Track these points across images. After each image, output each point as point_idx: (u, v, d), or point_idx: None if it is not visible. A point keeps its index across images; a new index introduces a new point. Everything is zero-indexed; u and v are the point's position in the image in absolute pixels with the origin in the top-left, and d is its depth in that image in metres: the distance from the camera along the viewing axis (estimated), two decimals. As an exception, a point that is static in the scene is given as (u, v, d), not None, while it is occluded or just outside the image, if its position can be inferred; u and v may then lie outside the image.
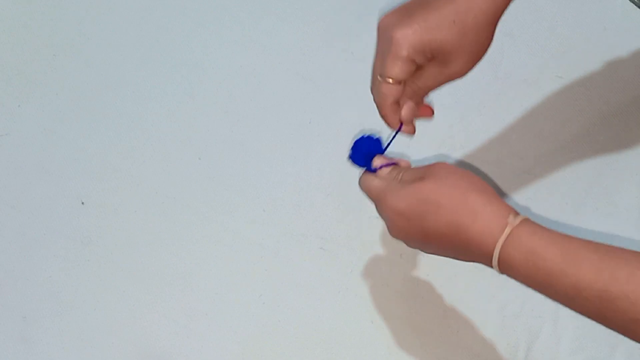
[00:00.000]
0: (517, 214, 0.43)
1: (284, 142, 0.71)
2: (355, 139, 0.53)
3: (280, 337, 0.65)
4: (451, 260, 0.66)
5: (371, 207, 0.67)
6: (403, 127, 0.49)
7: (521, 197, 0.67)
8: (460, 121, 0.70)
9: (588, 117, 0.70)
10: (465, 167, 0.69)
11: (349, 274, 0.66)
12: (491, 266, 0.43)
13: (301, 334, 0.65)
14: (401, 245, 0.65)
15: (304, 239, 0.68)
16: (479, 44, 0.45)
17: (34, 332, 0.66)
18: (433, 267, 0.65)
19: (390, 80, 0.46)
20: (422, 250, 0.50)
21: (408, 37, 0.44)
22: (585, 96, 0.71)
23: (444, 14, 0.43)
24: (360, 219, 0.68)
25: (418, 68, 0.46)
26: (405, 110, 0.48)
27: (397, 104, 0.48)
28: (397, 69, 0.45)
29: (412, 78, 0.47)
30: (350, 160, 0.53)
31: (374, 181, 0.49)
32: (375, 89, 0.48)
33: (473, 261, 0.45)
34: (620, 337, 0.63)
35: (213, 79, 0.74)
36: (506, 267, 0.42)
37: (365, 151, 0.52)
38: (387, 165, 0.50)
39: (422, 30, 0.43)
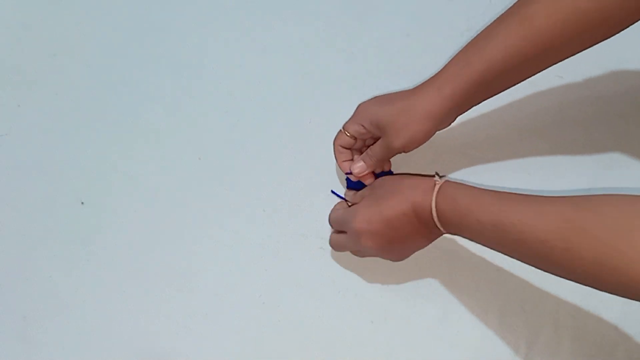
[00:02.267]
0: (441, 176, 0.56)
1: (284, 142, 0.71)
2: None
3: (280, 337, 0.65)
4: (451, 260, 0.66)
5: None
6: (349, 175, 0.63)
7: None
8: (460, 121, 0.70)
9: (588, 117, 0.70)
10: (465, 167, 0.69)
11: (349, 274, 0.66)
12: (438, 228, 0.54)
13: (301, 334, 0.65)
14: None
15: (304, 239, 0.68)
16: (417, 131, 0.57)
17: (34, 332, 0.66)
18: (433, 267, 0.66)
19: (347, 133, 0.61)
20: (389, 253, 0.59)
21: (367, 110, 0.60)
22: (585, 96, 0.71)
23: (397, 104, 0.57)
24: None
25: (371, 135, 0.61)
26: (354, 165, 0.62)
27: (349, 152, 0.63)
28: (351, 127, 0.61)
29: (368, 142, 0.63)
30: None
31: (334, 214, 0.64)
32: (336, 135, 0.63)
33: (427, 234, 0.57)
34: (620, 337, 0.63)
35: (213, 79, 0.74)
36: (443, 221, 0.53)
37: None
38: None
39: (378, 110, 0.58)
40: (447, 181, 0.55)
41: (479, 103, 0.58)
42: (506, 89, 0.56)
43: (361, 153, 0.63)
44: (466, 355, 0.64)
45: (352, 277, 0.66)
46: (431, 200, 0.54)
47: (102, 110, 0.74)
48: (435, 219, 0.54)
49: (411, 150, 0.58)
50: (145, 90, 0.74)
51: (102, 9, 0.78)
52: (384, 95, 0.61)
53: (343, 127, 0.62)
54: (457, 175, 0.69)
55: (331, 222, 0.64)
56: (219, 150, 0.71)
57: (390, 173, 0.65)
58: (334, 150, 0.63)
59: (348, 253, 0.65)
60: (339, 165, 0.64)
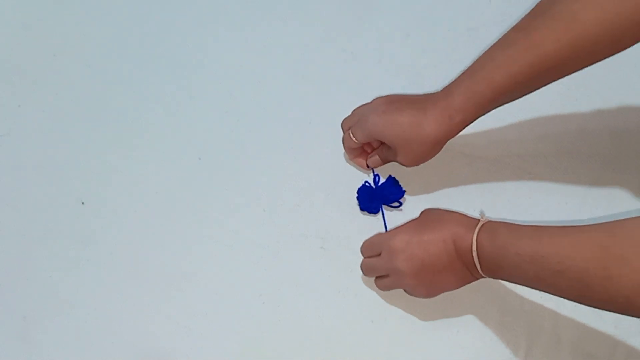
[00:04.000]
0: (482, 216, 0.56)
1: (284, 142, 0.71)
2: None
3: (280, 336, 0.65)
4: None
5: (371, 207, 0.67)
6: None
7: (521, 197, 0.67)
8: (460, 121, 0.70)
9: (588, 117, 0.70)
10: (464, 167, 0.69)
11: (349, 274, 0.66)
12: (474, 266, 0.54)
13: (301, 334, 0.65)
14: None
15: (304, 239, 0.68)
16: (419, 152, 0.59)
17: (34, 332, 0.66)
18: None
19: (355, 139, 0.63)
20: (419, 281, 0.58)
21: (375, 125, 0.60)
22: (585, 96, 0.71)
23: (406, 128, 0.58)
24: (360, 219, 0.68)
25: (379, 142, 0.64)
26: (370, 160, 0.66)
27: (360, 149, 0.66)
28: (358, 135, 0.63)
29: (376, 145, 0.66)
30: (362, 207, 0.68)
31: (369, 239, 0.64)
32: (344, 137, 0.66)
33: (461, 271, 0.56)
34: (620, 337, 0.63)
35: (213, 79, 0.74)
36: (481, 256, 0.53)
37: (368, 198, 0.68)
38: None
39: (385, 126, 0.59)
40: (490, 220, 0.55)
41: None
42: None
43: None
44: (466, 355, 0.64)
45: (352, 277, 0.66)
46: (473, 234, 0.53)
47: (102, 110, 0.74)
48: (474, 254, 0.53)
49: (414, 165, 0.62)
50: (145, 90, 0.74)
51: (102, 9, 0.78)
52: (391, 104, 0.61)
53: (352, 133, 0.63)
54: (457, 175, 0.69)
55: (365, 246, 0.64)
56: (219, 150, 0.71)
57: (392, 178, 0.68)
58: (349, 154, 0.67)
59: (348, 253, 0.65)
60: (352, 160, 0.68)
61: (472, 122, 0.57)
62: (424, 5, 0.76)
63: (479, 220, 0.55)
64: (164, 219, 0.69)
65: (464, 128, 0.58)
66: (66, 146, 0.72)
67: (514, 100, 0.56)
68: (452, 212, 0.58)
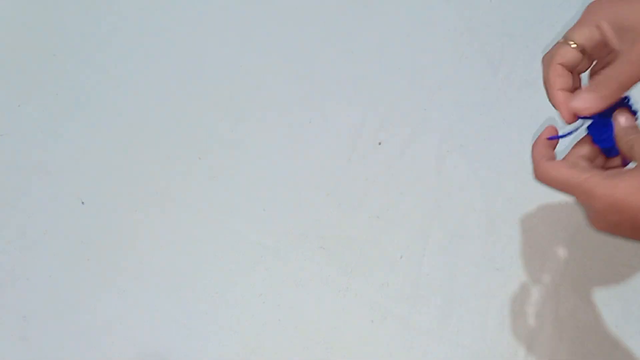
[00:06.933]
0: None
1: (284, 142, 0.71)
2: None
3: (280, 336, 0.65)
4: (451, 259, 0.66)
5: (371, 207, 0.68)
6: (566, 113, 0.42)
7: (521, 197, 0.67)
8: (460, 121, 0.70)
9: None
10: (464, 168, 0.69)
11: (349, 273, 0.66)
12: None
13: (301, 334, 0.65)
14: (401, 245, 0.66)
15: (304, 238, 0.68)
16: None
17: (34, 332, 0.66)
18: (433, 267, 0.65)
19: (572, 43, 0.42)
20: (608, 232, 0.43)
21: (602, 9, 0.41)
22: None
23: None
24: (360, 219, 0.68)
25: (605, 49, 0.42)
26: (578, 98, 0.41)
27: (569, 76, 0.43)
28: (580, 33, 0.41)
29: (601, 57, 0.44)
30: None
31: (570, 170, 0.43)
32: (548, 52, 0.44)
33: None
34: (620, 337, 0.63)
35: (213, 79, 0.74)
36: None
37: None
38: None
39: (619, 8, 0.40)
40: None
41: None
42: None
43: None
44: (466, 355, 0.64)
45: (352, 277, 0.66)
46: None
47: (102, 110, 0.74)
48: None
49: None
50: (145, 90, 0.74)
51: (102, 8, 0.78)
52: None
53: (565, 37, 0.43)
54: (457, 175, 0.69)
55: (549, 168, 0.44)
56: (219, 150, 0.71)
57: (626, 101, 0.43)
58: (548, 73, 0.43)
59: (348, 253, 0.65)
60: (552, 96, 0.43)
61: None
62: (424, 5, 0.76)
63: None
64: (164, 219, 0.69)
65: None
66: (66, 146, 0.72)
67: None
68: None
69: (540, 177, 0.44)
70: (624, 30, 0.39)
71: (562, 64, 0.42)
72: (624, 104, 0.43)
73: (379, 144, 0.70)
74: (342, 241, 0.67)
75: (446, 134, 0.70)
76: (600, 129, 0.44)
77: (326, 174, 0.70)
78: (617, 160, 0.45)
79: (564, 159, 0.45)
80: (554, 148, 0.46)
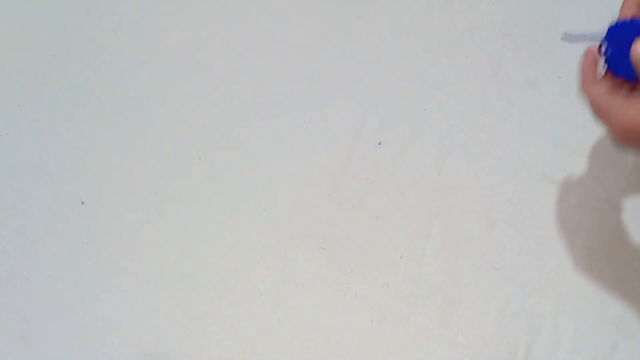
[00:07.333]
0: None
1: (284, 142, 0.71)
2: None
3: (280, 336, 0.65)
4: (451, 259, 0.66)
5: (371, 207, 0.68)
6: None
7: (521, 197, 0.67)
8: (460, 121, 0.70)
9: (588, 117, 0.70)
10: (464, 168, 0.69)
11: (349, 273, 0.66)
12: None
13: (301, 334, 0.65)
14: (401, 245, 0.66)
15: (304, 238, 0.68)
16: None
17: (34, 332, 0.66)
18: (433, 267, 0.65)
19: None
20: (626, 145, 0.46)
21: None
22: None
23: None
24: (360, 219, 0.68)
25: None
26: None
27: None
28: None
29: None
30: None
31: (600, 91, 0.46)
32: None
33: None
34: (620, 337, 0.63)
35: (213, 79, 0.74)
36: None
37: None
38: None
39: None
40: None
41: None
42: None
43: None
44: (466, 355, 0.64)
45: (352, 277, 0.66)
46: None
47: (102, 110, 0.74)
48: None
49: None
50: (145, 90, 0.74)
51: (102, 8, 0.78)
52: None
53: None
54: (457, 175, 0.69)
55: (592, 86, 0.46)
56: (219, 150, 0.71)
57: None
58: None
59: (348, 253, 0.65)
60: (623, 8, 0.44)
61: None
62: (424, 5, 0.76)
63: None
64: (164, 219, 0.69)
65: None
66: (66, 146, 0.72)
67: None
68: None
69: (586, 89, 0.47)
70: None
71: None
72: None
73: (379, 144, 0.70)
74: (342, 241, 0.67)
75: (446, 134, 0.70)
76: (619, 60, 0.46)
77: (326, 174, 0.70)
78: None
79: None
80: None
